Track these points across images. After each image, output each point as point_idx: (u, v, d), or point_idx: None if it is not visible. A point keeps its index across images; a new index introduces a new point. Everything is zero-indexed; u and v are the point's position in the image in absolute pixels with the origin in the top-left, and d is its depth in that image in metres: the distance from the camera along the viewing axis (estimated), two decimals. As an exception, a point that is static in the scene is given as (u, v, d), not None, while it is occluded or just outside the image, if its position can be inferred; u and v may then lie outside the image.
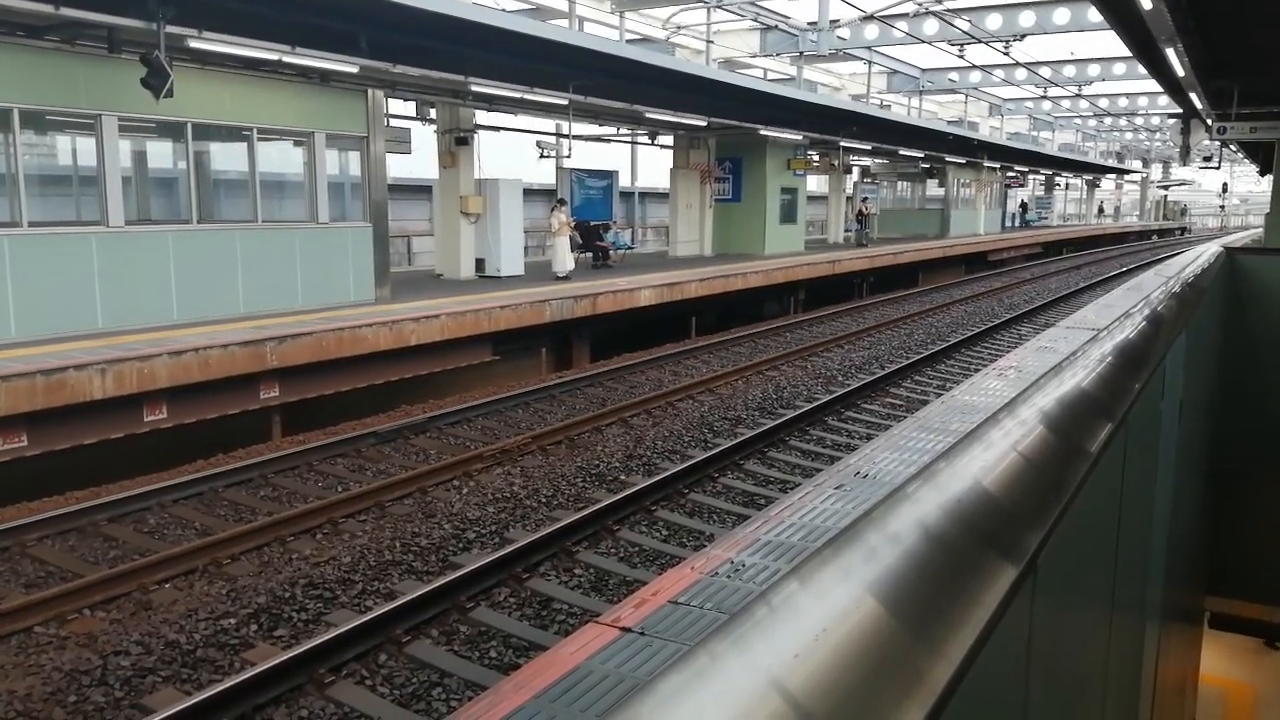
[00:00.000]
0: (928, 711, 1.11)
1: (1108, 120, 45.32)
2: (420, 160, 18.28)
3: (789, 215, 25.20)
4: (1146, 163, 62.55)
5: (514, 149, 20.08)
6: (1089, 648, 3.04)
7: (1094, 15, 19.01)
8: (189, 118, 10.92)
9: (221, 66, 11.12)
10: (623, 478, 8.11)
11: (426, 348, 11.45)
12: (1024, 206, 47.68)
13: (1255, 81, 14.39)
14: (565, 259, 16.99)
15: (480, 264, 17.04)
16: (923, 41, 22.63)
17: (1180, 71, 13.00)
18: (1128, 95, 38.12)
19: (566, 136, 18.81)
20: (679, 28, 23.21)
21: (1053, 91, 32.45)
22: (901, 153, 29.22)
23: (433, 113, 16.90)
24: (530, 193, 20.95)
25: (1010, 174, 41.91)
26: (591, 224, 20.43)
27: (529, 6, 20.45)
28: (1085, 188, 59.74)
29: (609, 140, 22.95)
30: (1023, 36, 21.97)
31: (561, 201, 18.10)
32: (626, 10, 21.20)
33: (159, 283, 10.75)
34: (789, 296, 20.89)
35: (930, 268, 27.83)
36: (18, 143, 9.50)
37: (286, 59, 10.93)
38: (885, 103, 32.96)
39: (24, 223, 9.58)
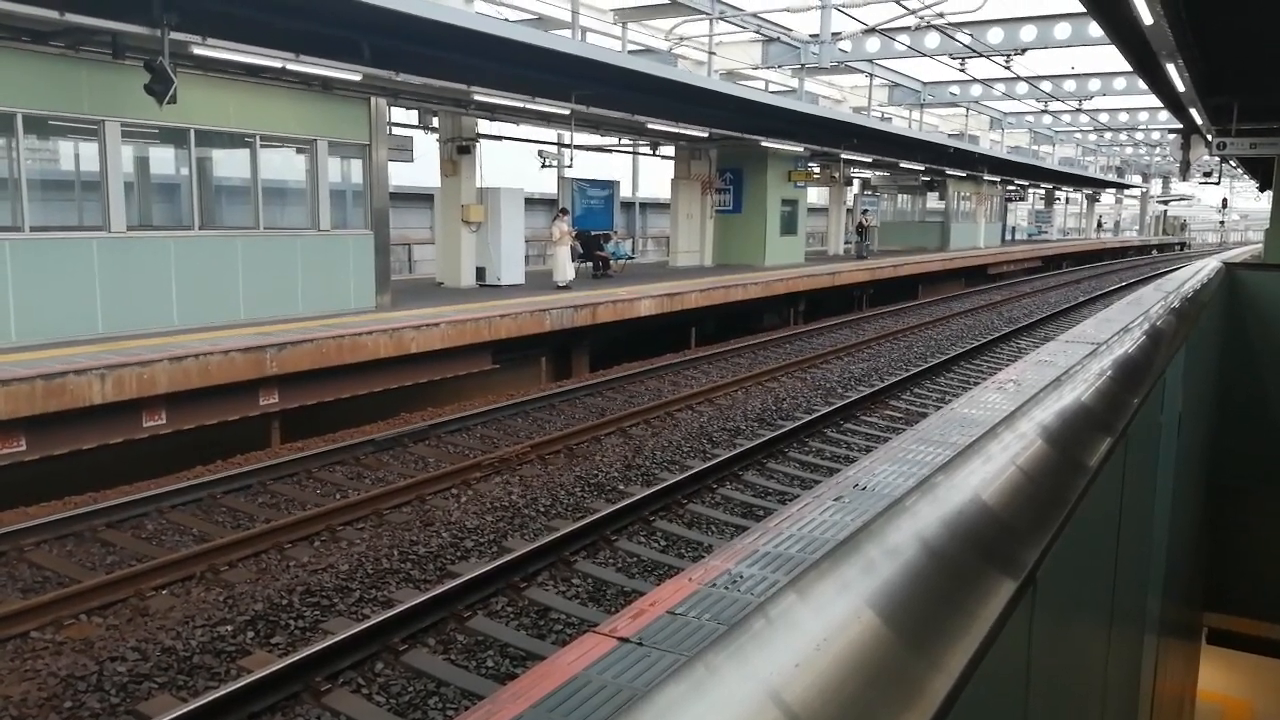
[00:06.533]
0: (926, 724, 1.11)
1: (1108, 135, 45.44)
2: (422, 168, 18.31)
3: (789, 227, 25.26)
4: (1146, 178, 62.72)
5: (516, 158, 20.13)
6: (1088, 662, 3.03)
7: (1095, 30, 19.05)
8: (192, 124, 10.96)
9: (225, 73, 11.16)
10: (621, 488, 8.10)
11: (426, 356, 11.46)
12: (1013, 230, 46.99)
13: (1255, 97, 14.43)
14: (566, 268, 17.01)
15: (481, 273, 17.08)
16: (924, 55, 22.71)
17: (1180, 87, 13.03)
18: (1128, 110, 38.24)
19: (568, 146, 18.88)
20: (681, 39, 23.28)
21: (1053, 106, 32.52)
22: (902, 165, 29.29)
23: (435, 121, 16.94)
24: (531, 202, 21.02)
25: (1010, 188, 41.98)
26: (592, 234, 20.47)
27: (532, 16, 20.51)
28: (1085, 202, 59.90)
29: (610, 150, 22.99)
30: (1024, 50, 22.05)
31: (563, 211, 18.13)
32: (629, 21, 21.28)
33: (160, 288, 10.76)
34: (789, 308, 20.91)
35: (930, 280, 27.87)
36: (21, 147, 9.52)
37: (290, 66, 10.97)
38: (886, 115, 33.05)
39: (26, 227, 9.60)
